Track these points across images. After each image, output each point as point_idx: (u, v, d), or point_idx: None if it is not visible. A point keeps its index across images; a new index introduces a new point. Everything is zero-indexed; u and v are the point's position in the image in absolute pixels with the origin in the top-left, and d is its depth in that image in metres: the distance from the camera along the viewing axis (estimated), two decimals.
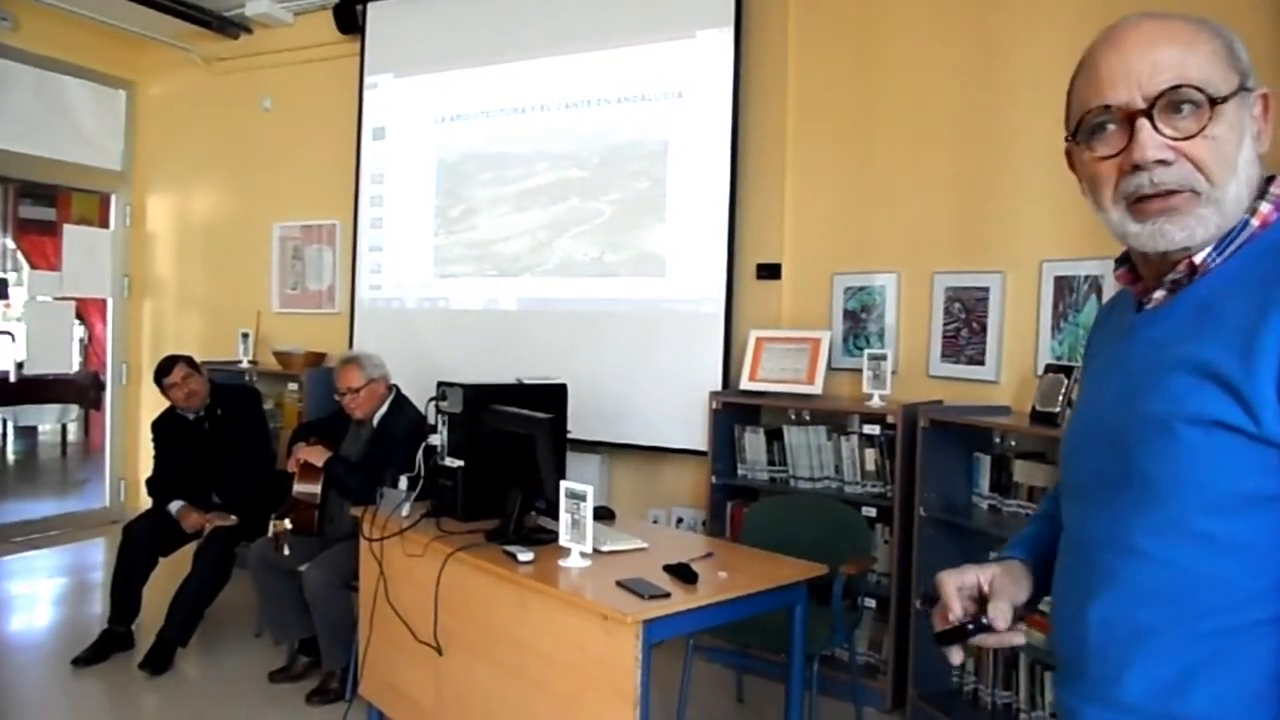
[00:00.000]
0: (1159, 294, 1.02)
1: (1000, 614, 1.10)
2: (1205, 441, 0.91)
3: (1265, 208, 0.98)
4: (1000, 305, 3.57)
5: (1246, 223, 0.98)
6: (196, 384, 4.11)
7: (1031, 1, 3.47)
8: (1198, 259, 0.99)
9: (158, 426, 4.24)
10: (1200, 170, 0.96)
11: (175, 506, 4.01)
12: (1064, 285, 3.39)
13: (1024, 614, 1.16)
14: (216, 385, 4.26)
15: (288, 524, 3.49)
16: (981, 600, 1.14)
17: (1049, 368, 3.26)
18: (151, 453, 4.25)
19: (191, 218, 6.19)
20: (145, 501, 4.26)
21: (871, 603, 3.58)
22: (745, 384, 3.96)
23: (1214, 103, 0.96)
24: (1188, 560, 0.93)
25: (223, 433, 4.16)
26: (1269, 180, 1.00)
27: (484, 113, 4.82)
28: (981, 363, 3.61)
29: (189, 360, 4.15)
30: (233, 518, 3.97)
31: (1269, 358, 0.88)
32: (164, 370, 4.08)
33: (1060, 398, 3.04)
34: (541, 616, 2.46)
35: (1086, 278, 3.31)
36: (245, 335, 5.44)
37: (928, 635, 3.54)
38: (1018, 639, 1.15)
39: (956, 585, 1.15)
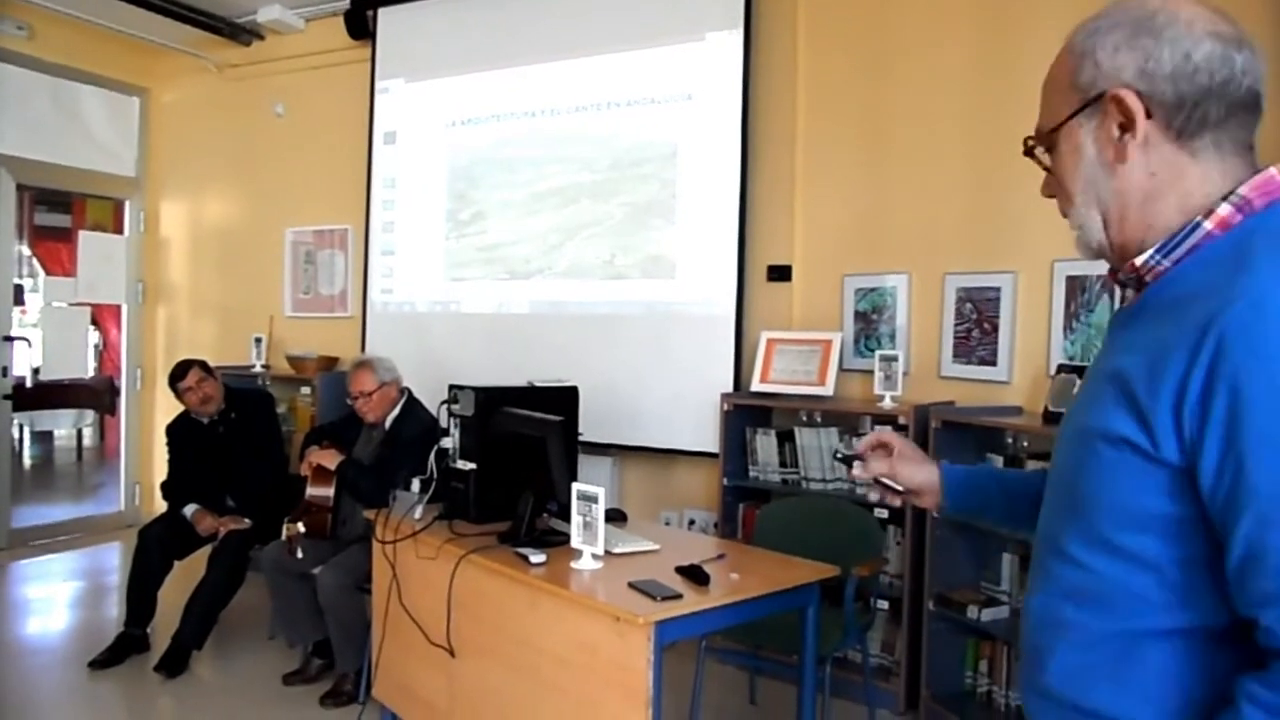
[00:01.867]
0: (1130, 293, 1.05)
1: (869, 465, 1.41)
2: (1115, 459, 0.94)
3: (1225, 209, 0.96)
4: (1012, 305, 3.56)
5: (1197, 224, 0.96)
6: (211, 388, 4.13)
7: (1041, 3, 3.47)
8: (1138, 261, 1.00)
9: (172, 431, 4.26)
10: (1062, 196, 1.07)
11: (190, 510, 4.03)
12: (1076, 285, 3.38)
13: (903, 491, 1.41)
14: (231, 389, 4.28)
15: (301, 527, 3.51)
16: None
17: (1061, 368, 3.25)
18: (166, 457, 4.28)
19: (205, 223, 6.23)
20: (160, 505, 4.29)
21: (884, 604, 3.57)
22: (756, 386, 3.96)
23: (1049, 134, 1.05)
24: (1102, 568, 0.97)
25: (237, 437, 4.18)
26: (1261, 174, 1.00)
27: (494, 116, 4.84)
28: (993, 363, 3.60)
29: (203, 365, 4.18)
30: (246, 521, 3.99)
31: (1170, 381, 0.89)
32: (179, 374, 4.11)
33: (1073, 398, 3.03)
34: (554, 618, 2.46)
35: (1099, 277, 3.30)
36: (258, 340, 5.47)
37: (941, 637, 3.53)
38: (872, 495, 1.46)
39: (881, 439, 1.42)
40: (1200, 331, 0.87)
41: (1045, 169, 1.09)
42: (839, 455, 1.46)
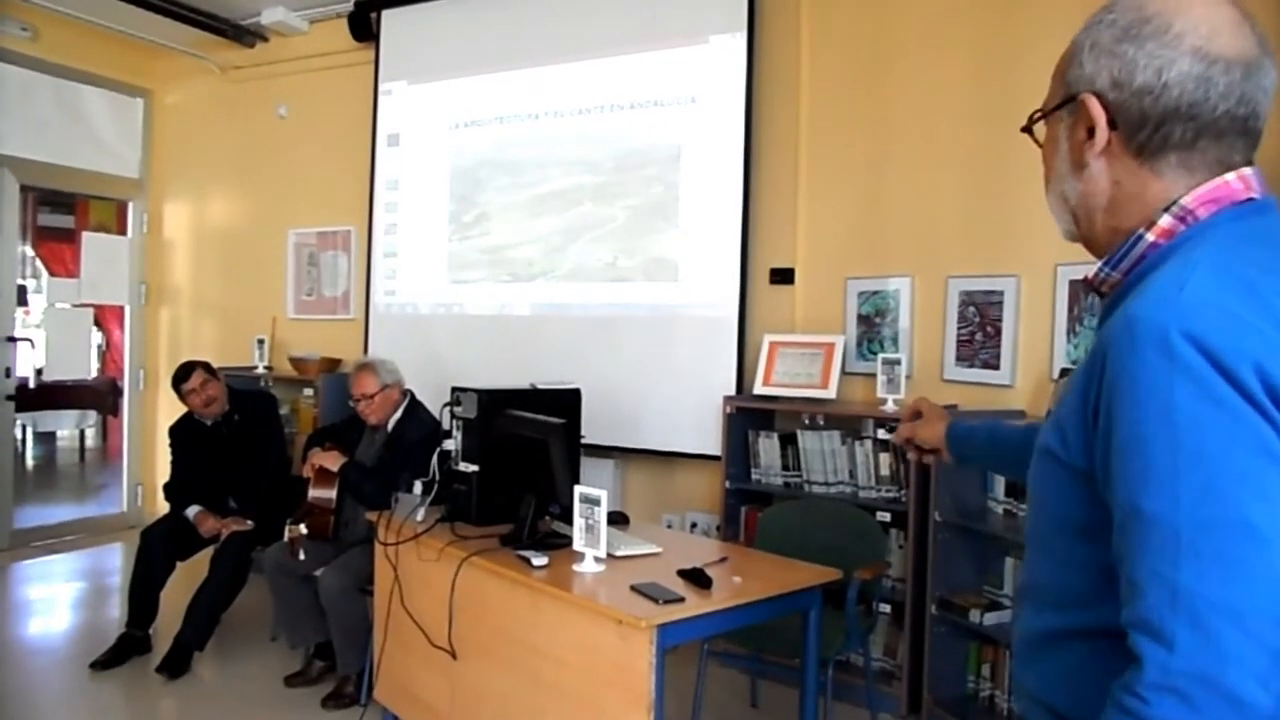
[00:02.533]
0: (1104, 301, 1.07)
1: (899, 430, 1.62)
2: (1044, 466, 1.00)
3: (1166, 221, 0.95)
4: (1015, 309, 3.56)
5: (1140, 236, 0.97)
6: (215, 390, 4.13)
7: (1044, 7, 3.47)
8: (1090, 274, 1.02)
9: (175, 432, 4.26)
10: (1045, 179, 1.07)
11: (192, 511, 4.03)
12: (1079, 289, 3.37)
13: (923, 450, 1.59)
14: (234, 391, 4.28)
15: (303, 529, 3.51)
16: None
17: (1064, 371, 3.25)
18: (169, 458, 4.27)
19: (208, 225, 6.24)
20: (162, 506, 4.29)
21: (886, 608, 3.57)
22: (759, 388, 3.95)
23: (1043, 118, 1.05)
24: (1042, 563, 1.03)
25: (240, 438, 4.18)
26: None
27: (498, 118, 4.84)
28: (996, 367, 3.60)
29: (206, 366, 4.17)
30: (249, 523, 3.99)
31: (1077, 393, 0.93)
32: (182, 376, 4.11)
33: None
34: (556, 621, 2.46)
35: None
36: (261, 341, 5.47)
37: (943, 640, 3.52)
38: (910, 455, 1.64)
39: (915, 407, 1.61)
40: (1100, 345, 0.90)
41: (1038, 144, 1.09)
42: (889, 427, 1.68)
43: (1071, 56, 1.01)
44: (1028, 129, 1.09)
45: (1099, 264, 1.01)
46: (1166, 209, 0.95)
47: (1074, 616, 0.98)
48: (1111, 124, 0.96)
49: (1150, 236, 0.96)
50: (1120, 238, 0.98)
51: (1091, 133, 0.98)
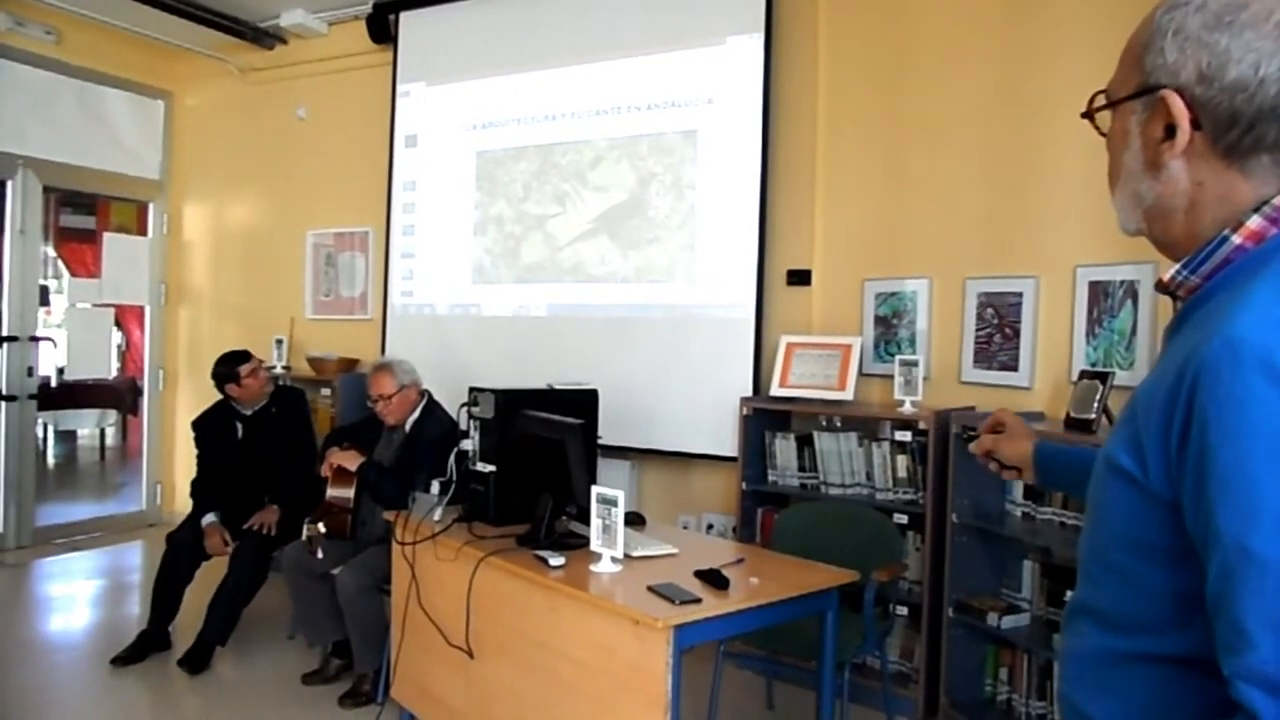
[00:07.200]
0: (1179, 305, 0.98)
1: (979, 441, 1.54)
2: (1118, 486, 0.92)
3: (1255, 222, 0.87)
4: (1034, 311, 3.54)
5: (1225, 238, 0.89)
6: (266, 375, 4.19)
7: (1064, 7, 3.45)
8: (1166, 277, 0.94)
9: (200, 425, 4.26)
10: (1109, 171, 1.00)
11: (206, 520, 4.05)
12: (1099, 290, 3.35)
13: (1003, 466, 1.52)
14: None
15: (321, 528, 3.53)
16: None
17: (1083, 374, 3.22)
18: (190, 455, 4.29)
19: (227, 226, 6.28)
20: (181, 504, 4.32)
21: (903, 610, 3.55)
22: (776, 390, 3.95)
23: (1110, 106, 0.97)
24: (1108, 587, 0.96)
25: (274, 430, 4.20)
26: None
27: (515, 120, 4.85)
28: (1015, 369, 3.58)
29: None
30: (274, 508, 4.02)
31: (1159, 413, 0.85)
32: (239, 360, 4.11)
33: (1095, 404, 3.01)
34: (572, 621, 2.47)
35: (1122, 283, 3.28)
36: (279, 341, 5.51)
37: (960, 643, 3.51)
38: (991, 467, 1.53)
39: (998, 420, 1.52)
40: (1184, 364, 0.82)
41: (1101, 134, 1.00)
42: (966, 435, 1.63)
43: (1150, 40, 0.90)
44: (1088, 116, 1.00)
45: (1174, 267, 0.93)
46: (1256, 209, 0.87)
47: (1140, 641, 0.92)
48: (1195, 123, 0.88)
49: (1237, 239, 0.88)
50: (1200, 240, 0.91)
51: (1170, 131, 0.89)
